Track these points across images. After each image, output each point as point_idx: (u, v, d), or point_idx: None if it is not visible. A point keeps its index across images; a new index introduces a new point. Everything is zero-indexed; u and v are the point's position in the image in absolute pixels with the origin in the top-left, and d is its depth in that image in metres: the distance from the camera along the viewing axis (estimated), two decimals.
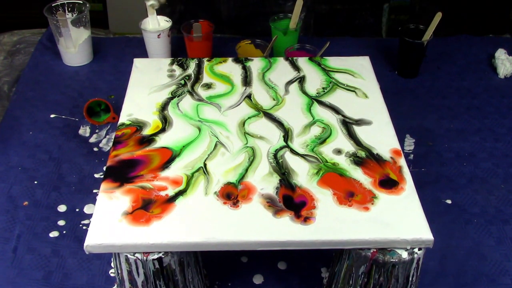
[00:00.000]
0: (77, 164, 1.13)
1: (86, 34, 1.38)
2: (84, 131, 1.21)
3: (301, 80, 1.06)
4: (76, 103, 1.28)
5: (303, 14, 1.30)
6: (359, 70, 1.09)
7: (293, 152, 0.90)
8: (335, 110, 0.99)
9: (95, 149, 1.17)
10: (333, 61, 1.11)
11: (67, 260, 0.95)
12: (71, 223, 1.01)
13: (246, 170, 0.86)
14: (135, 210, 0.80)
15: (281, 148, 0.91)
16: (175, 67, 1.09)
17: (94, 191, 1.07)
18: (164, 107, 0.99)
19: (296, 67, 1.10)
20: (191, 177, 0.85)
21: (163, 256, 0.77)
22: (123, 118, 0.96)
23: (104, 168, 1.06)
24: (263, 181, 0.85)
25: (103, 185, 0.84)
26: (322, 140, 0.92)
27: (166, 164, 0.87)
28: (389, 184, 0.84)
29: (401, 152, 0.90)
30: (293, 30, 1.35)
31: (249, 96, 1.02)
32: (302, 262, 0.96)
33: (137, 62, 1.10)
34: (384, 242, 0.77)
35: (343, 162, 0.88)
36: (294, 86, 1.05)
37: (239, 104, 1.00)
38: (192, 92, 1.03)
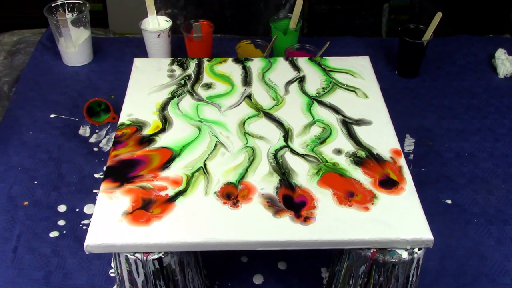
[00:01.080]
0: (77, 164, 1.13)
1: (86, 34, 1.38)
2: (84, 131, 1.21)
3: (301, 80, 1.06)
4: (76, 103, 1.28)
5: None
6: (359, 70, 1.09)
7: (293, 152, 0.90)
8: (335, 110, 0.99)
9: (95, 149, 1.17)
10: (333, 61, 1.11)
11: (67, 260, 0.95)
12: (71, 223, 1.01)
13: (246, 170, 0.86)
14: (135, 210, 0.80)
15: (281, 148, 0.91)
16: (175, 67, 1.09)
17: (94, 191, 1.07)
18: (164, 107, 0.99)
19: (296, 67, 1.10)
20: (191, 177, 0.85)
21: (163, 256, 0.77)
22: (123, 118, 0.96)
23: (104, 168, 1.06)
24: (263, 181, 0.85)
25: (103, 185, 0.84)
26: (322, 140, 0.92)
27: (166, 164, 0.87)
28: (389, 184, 0.84)
29: (401, 152, 0.90)
30: (293, 30, 1.35)
31: (249, 96, 1.02)
32: (302, 262, 0.96)
33: (137, 62, 1.10)
34: (384, 242, 0.77)
35: (343, 162, 0.88)
36: (294, 86, 1.05)
37: (239, 104, 1.00)
38: (192, 92, 1.03)
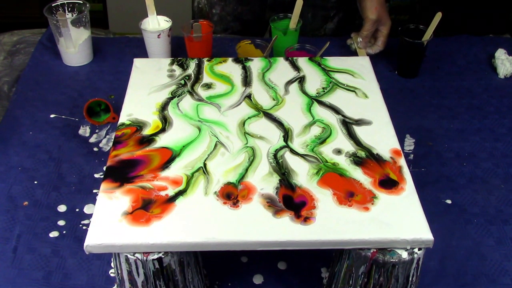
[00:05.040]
0: (77, 164, 1.13)
1: (86, 34, 1.38)
2: (84, 131, 1.21)
3: (301, 80, 1.06)
4: (76, 103, 1.28)
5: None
6: (359, 70, 1.09)
7: (293, 152, 0.90)
8: (335, 110, 0.99)
9: (95, 149, 1.17)
10: (333, 61, 1.11)
11: (67, 260, 0.95)
12: (71, 223, 1.01)
13: (246, 170, 0.86)
14: (135, 210, 0.80)
15: (281, 148, 0.91)
16: (175, 67, 1.09)
17: (94, 191, 1.07)
18: (164, 107, 0.99)
19: (296, 67, 1.10)
20: (191, 177, 0.85)
21: (163, 256, 0.77)
22: (123, 118, 0.96)
23: (104, 168, 1.06)
24: (263, 181, 0.85)
25: (103, 185, 0.84)
26: (322, 140, 0.92)
27: (166, 164, 0.87)
28: (389, 184, 0.84)
29: (401, 152, 0.90)
30: (293, 30, 1.35)
31: (249, 96, 1.02)
32: (302, 262, 0.96)
33: (137, 62, 1.10)
34: (384, 242, 0.77)
35: (343, 162, 0.88)
36: (294, 86, 1.05)
37: (239, 104, 1.00)
38: (192, 92, 1.03)
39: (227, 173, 0.86)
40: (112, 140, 0.95)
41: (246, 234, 0.77)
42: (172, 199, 0.81)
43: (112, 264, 0.94)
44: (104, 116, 1.24)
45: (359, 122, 0.96)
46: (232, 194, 0.82)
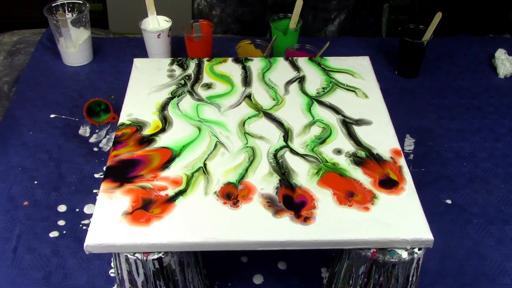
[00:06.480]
0: (77, 164, 1.13)
1: (86, 34, 1.38)
2: (84, 131, 1.21)
3: (301, 80, 1.06)
4: (76, 103, 1.28)
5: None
6: (359, 70, 1.09)
7: (293, 152, 0.90)
8: (335, 110, 0.99)
9: (95, 149, 1.17)
10: (333, 61, 1.11)
11: (67, 260, 0.95)
12: (71, 223, 1.01)
13: (246, 170, 0.86)
14: (135, 210, 0.80)
15: (281, 148, 0.91)
16: (175, 67, 1.09)
17: (94, 191, 1.07)
18: (164, 107, 0.99)
19: (296, 67, 1.10)
20: (191, 177, 0.85)
21: (163, 256, 0.77)
22: (123, 118, 0.96)
23: (104, 168, 1.06)
24: (263, 181, 0.85)
25: (103, 185, 0.84)
26: (322, 140, 0.92)
27: (166, 164, 0.87)
28: (389, 184, 0.84)
29: (401, 152, 0.90)
30: (293, 30, 1.35)
31: (249, 96, 1.02)
32: (302, 262, 0.96)
33: (137, 62, 1.10)
34: (384, 242, 0.77)
35: (343, 162, 0.88)
36: (294, 86, 1.05)
37: (239, 104, 1.00)
38: (192, 92, 1.03)
39: (227, 173, 0.86)
40: (112, 140, 0.95)
41: (246, 234, 0.77)
42: (172, 199, 0.81)
43: (112, 264, 0.94)
44: (104, 116, 1.24)
45: (359, 122, 0.96)
46: (232, 194, 0.82)
